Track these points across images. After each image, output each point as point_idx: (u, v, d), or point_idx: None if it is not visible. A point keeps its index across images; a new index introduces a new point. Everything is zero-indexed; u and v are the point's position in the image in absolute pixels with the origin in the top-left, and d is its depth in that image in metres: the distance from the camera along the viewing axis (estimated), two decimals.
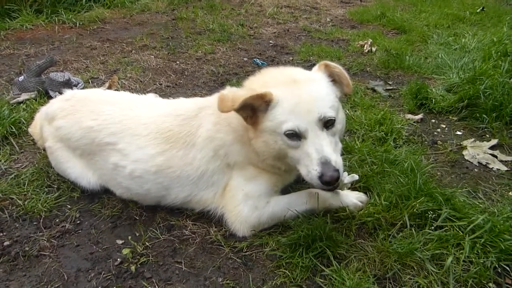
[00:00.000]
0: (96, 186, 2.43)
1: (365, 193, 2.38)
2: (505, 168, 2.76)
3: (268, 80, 2.04)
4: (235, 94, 1.93)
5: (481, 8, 7.28)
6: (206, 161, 2.18)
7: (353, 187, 2.43)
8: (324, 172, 1.79)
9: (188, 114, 2.27)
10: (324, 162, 1.81)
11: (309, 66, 4.64)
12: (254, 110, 1.95)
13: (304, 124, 1.85)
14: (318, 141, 1.85)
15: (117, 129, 2.29)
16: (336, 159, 1.84)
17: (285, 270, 1.94)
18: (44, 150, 2.68)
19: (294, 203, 2.20)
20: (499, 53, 4.22)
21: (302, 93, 1.90)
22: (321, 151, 1.83)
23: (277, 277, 1.93)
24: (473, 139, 3.09)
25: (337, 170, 1.80)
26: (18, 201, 2.39)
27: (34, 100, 3.52)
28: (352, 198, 2.29)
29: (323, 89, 1.98)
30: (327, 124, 1.89)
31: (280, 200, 2.22)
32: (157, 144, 2.22)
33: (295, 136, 1.88)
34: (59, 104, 2.55)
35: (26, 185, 2.52)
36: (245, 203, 2.14)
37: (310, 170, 1.84)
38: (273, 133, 1.94)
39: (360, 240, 2.11)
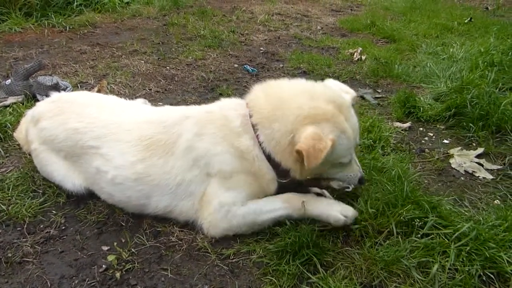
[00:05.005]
0: (80, 189, 2.38)
1: (352, 205, 2.25)
2: (491, 177, 2.79)
3: (318, 112, 2.00)
4: (315, 146, 1.90)
5: (469, 19, 7.39)
6: (183, 170, 2.15)
7: (340, 194, 2.41)
8: (362, 177, 2.29)
9: (170, 122, 2.25)
10: (360, 171, 2.29)
11: (299, 73, 4.70)
12: None
13: (354, 152, 2.21)
14: (355, 157, 2.28)
15: (101, 133, 2.26)
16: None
17: (271, 278, 1.93)
18: (30, 154, 2.64)
19: (267, 207, 2.17)
20: (486, 63, 4.28)
21: (351, 126, 2.10)
22: (357, 162, 2.29)
23: (264, 284, 1.92)
24: (460, 148, 3.13)
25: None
26: (2, 206, 2.35)
27: (21, 104, 3.48)
28: (334, 210, 2.15)
29: None
30: None
31: (252, 203, 2.18)
32: (138, 151, 2.20)
33: None
34: (45, 106, 2.53)
35: (10, 190, 2.48)
36: (220, 209, 2.12)
37: (352, 179, 2.26)
38: (327, 161, 2.02)
39: (347, 248, 2.11)
